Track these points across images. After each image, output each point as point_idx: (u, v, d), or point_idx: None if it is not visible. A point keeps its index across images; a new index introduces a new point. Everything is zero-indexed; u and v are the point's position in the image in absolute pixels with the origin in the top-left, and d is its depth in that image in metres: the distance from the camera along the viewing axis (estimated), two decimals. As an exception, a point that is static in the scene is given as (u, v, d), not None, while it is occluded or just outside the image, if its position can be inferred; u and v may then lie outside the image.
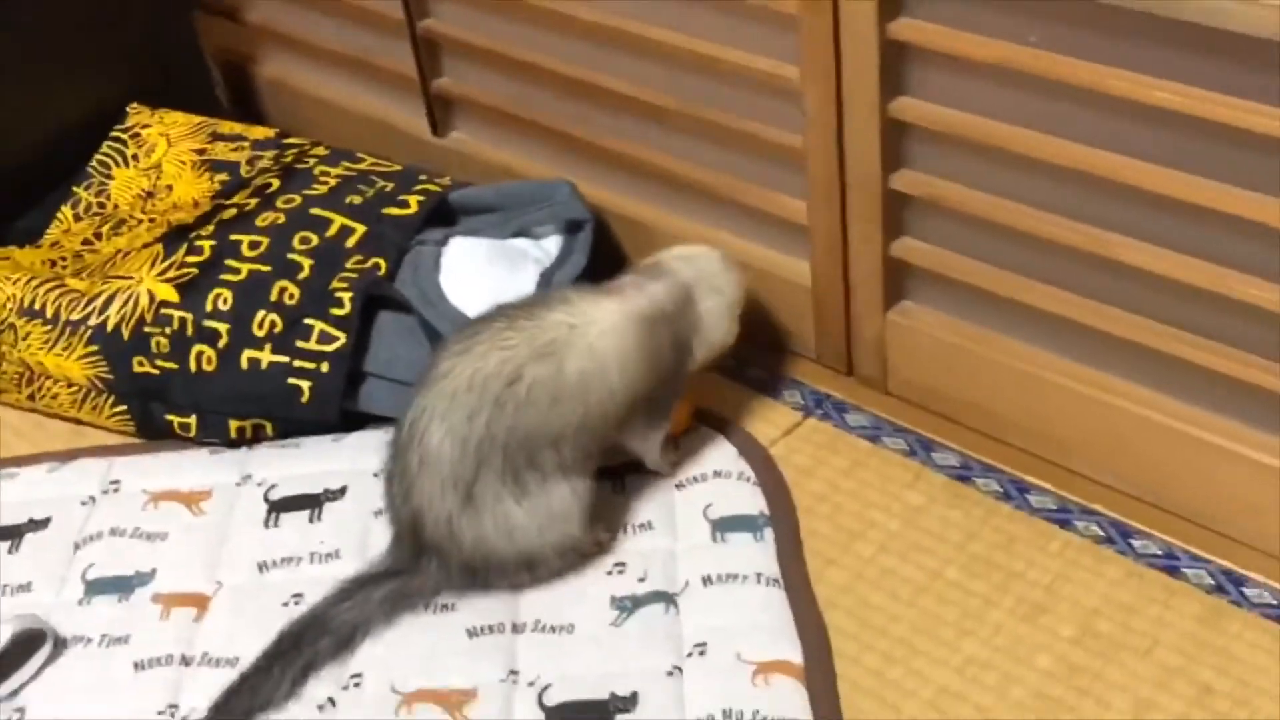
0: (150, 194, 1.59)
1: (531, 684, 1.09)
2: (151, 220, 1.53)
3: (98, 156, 1.63)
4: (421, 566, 1.14)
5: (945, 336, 1.29)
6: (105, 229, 1.55)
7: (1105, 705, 1.05)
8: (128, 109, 1.67)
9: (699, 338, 1.23)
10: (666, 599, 1.16)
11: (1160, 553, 1.17)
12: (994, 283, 1.24)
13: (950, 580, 1.16)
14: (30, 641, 1.14)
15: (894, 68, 1.19)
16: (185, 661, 1.14)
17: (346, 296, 1.35)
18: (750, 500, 1.24)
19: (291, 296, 1.36)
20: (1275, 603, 1.11)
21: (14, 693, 1.12)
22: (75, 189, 1.61)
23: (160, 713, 1.10)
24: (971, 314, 1.28)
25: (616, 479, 1.27)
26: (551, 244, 1.47)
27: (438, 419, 1.11)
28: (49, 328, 1.37)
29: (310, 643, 1.11)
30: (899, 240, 1.28)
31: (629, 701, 1.07)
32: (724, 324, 1.25)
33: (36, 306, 1.39)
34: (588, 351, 1.14)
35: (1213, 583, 1.14)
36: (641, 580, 1.18)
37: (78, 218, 1.58)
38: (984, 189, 1.20)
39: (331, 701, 1.10)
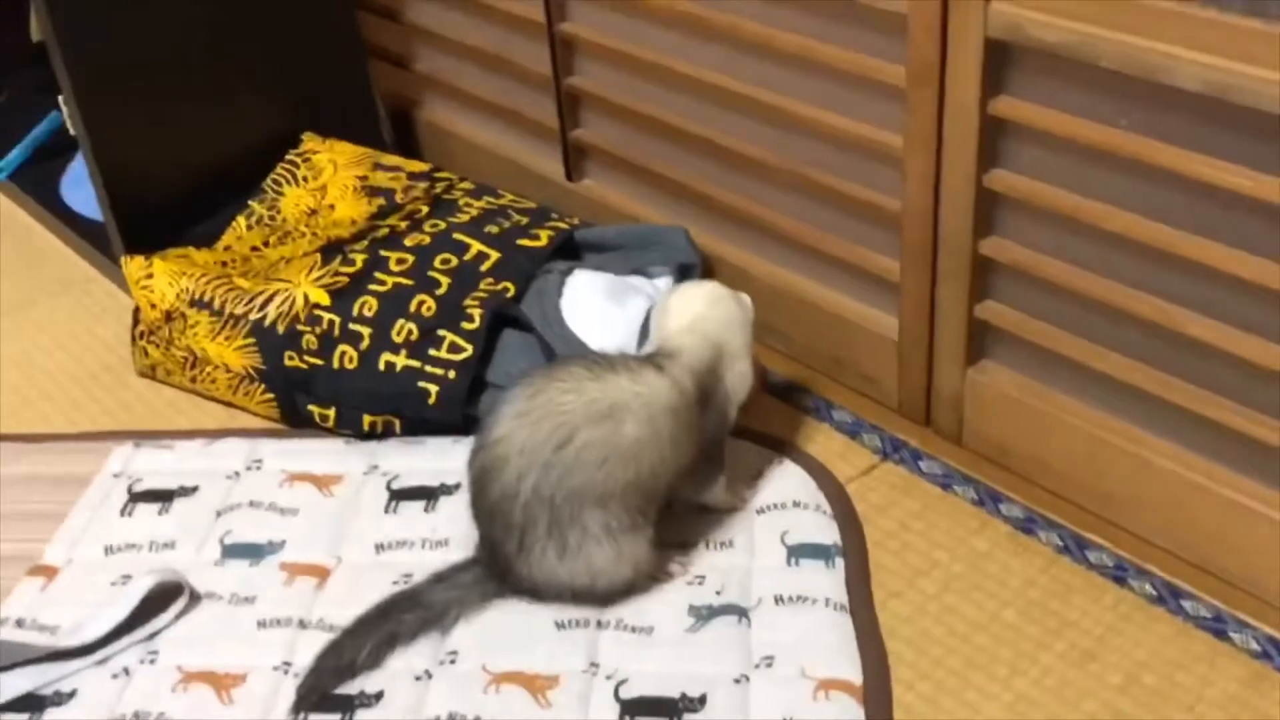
0: (315, 211, 1.62)
1: (609, 677, 1.08)
2: (314, 234, 1.56)
3: (272, 175, 1.67)
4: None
5: (1019, 396, 1.25)
6: (272, 238, 1.58)
7: (1146, 753, 1.00)
8: (303, 136, 1.71)
9: (733, 397, 1.19)
10: (740, 612, 1.13)
11: (1209, 615, 1.11)
12: (1068, 347, 1.20)
13: (1007, 622, 1.12)
14: (169, 593, 1.15)
15: (992, 141, 1.16)
16: (303, 625, 1.15)
17: (477, 313, 1.36)
18: (825, 530, 1.22)
19: (429, 309, 1.37)
20: (1320, 673, 1.05)
21: (151, 636, 1.14)
22: (250, 202, 1.64)
23: (275, 668, 1.11)
24: (1045, 376, 1.24)
25: (703, 499, 1.25)
26: (664, 283, 1.47)
27: (495, 476, 1.09)
28: (215, 319, 1.40)
29: (398, 614, 1.11)
30: (983, 303, 1.25)
31: (698, 703, 1.05)
32: (749, 377, 1.20)
33: (205, 299, 1.42)
34: (647, 421, 1.09)
35: (1258, 648, 1.08)
36: (719, 593, 1.15)
37: (249, 227, 1.62)
38: (1065, 259, 1.16)
39: (428, 674, 1.09)
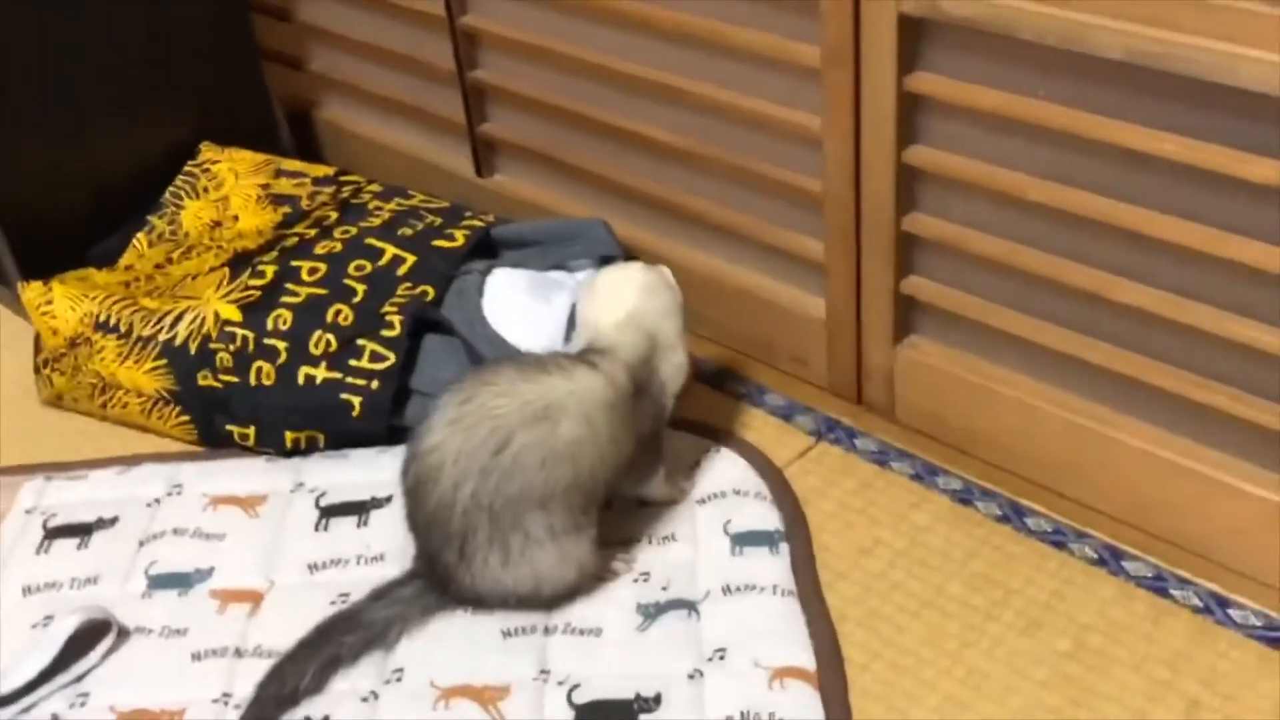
0: (218, 223, 1.56)
1: (561, 683, 1.06)
2: (219, 247, 1.50)
3: (171, 189, 1.61)
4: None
5: (950, 368, 1.25)
6: (176, 254, 1.52)
7: (1099, 715, 1.01)
8: (200, 146, 1.65)
9: (669, 387, 1.16)
10: (688, 606, 1.12)
11: (1150, 575, 1.13)
12: (997, 319, 1.20)
13: (953, 595, 1.12)
14: (95, 631, 1.10)
15: (910, 118, 1.16)
16: (239, 654, 1.11)
17: (397, 319, 1.32)
18: (767, 517, 1.21)
19: (346, 318, 1.33)
20: (1260, 624, 1.07)
21: (79, 678, 1.09)
22: (150, 218, 1.59)
23: (215, 700, 1.07)
24: (975, 348, 1.24)
25: (642, 494, 1.24)
26: (584, 276, 1.44)
27: (431, 485, 1.06)
28: (122, 342, 1.35)
29: (339, 636, 1.07)
30: (909, 278, 1.25)
31: (653, 702, 1.03)
32: (685, 366, 1.18)
33: (111, 322, 1.36)
34: (583, 419, 1.07)
35: (1200, 604, 1.09)
36: (665, 589, 1.14)
37: (151, 244, 1.56)
38: (990, 231, 1.17)
39: (374, 694, 1.06)
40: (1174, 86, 0.97)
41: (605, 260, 1.44)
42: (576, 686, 1.05)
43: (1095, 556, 1.15)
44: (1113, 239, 1.08)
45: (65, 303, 1.38)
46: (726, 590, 1.13)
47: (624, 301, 1.15)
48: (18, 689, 1.06)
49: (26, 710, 1.06)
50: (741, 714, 1.01)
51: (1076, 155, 1.07)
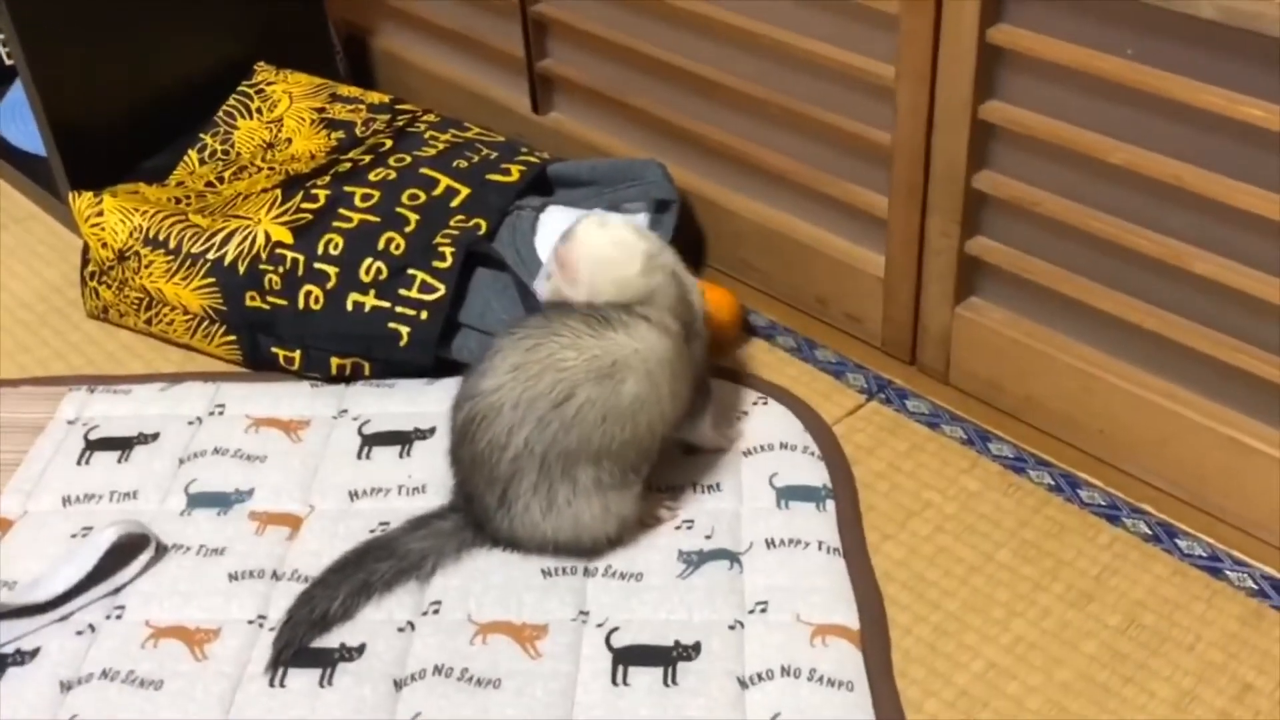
0: (271, 145, 1.54)
1: (600, 625, 1.04)
2: (271, 169, 1.48)
3: (225, 107, 1.58)
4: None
5: (1010, 333, 1.22)
6: (227, 174, 1.50)
7: (1149, 694, 0.98)
8: (255, 67, 1.63)
9: (698, 326, 1.12)
10: (731, 557, 1.10)
11: (1205, 554, 1.10)
12: (1062, 284, 1.17)
13: (1002, 563, 1.10)
14: (133, 545, 1.09)
15: (989, 71, 1.12)
16: (276, 576, 1.09)
17: (449, 251, 1.30)
18: (814, 472, 1.18)
19: (398, 247, 1.30)
20: (1317, 611, 1.04)
21: (116, 590, 1.08)
22: (202, 135, 1.56)
23: (250, 622, 1.05)
24: (1038, 313, 1.21)
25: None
26: (639, 219, 1.41)
27: (485, 426, 1.04)
28: (170, 258, 1.33)
29: (371, 563, 1.06)
30: (975, 238, 1.22)
31: (692, 650, 1.01)
32: (699, 290, 1.14)
33: (160, 237, 1.34)
34: (647, 377, 1.04)
35: (1255, 587, 1.06)
36: (708, 538, 1.12)
37: (202, 161, 1.53)
38: (1062, 193, 1.13)
39: (411, 625, 1.04)
40: (1266, 50, 0.93)
41: (660, 204, 1.41)
42: (615, 629, 1.03)
43: (1149, 533, 1.12)
44: (1192, 208, 1.04)
45: (115, 215, 1.36)
46: (770, 544, 1.11)
47: (633, 248, 1.11)
48: (55, 596, 1.04)
49: (63, 619, 1.05)
50: (782, 668, 0.99)
51: (1160, 119, 1.02)
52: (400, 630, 1.04)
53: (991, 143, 1.16)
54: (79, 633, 1.04)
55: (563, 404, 1.02)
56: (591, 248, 1.12)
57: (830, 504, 1.15)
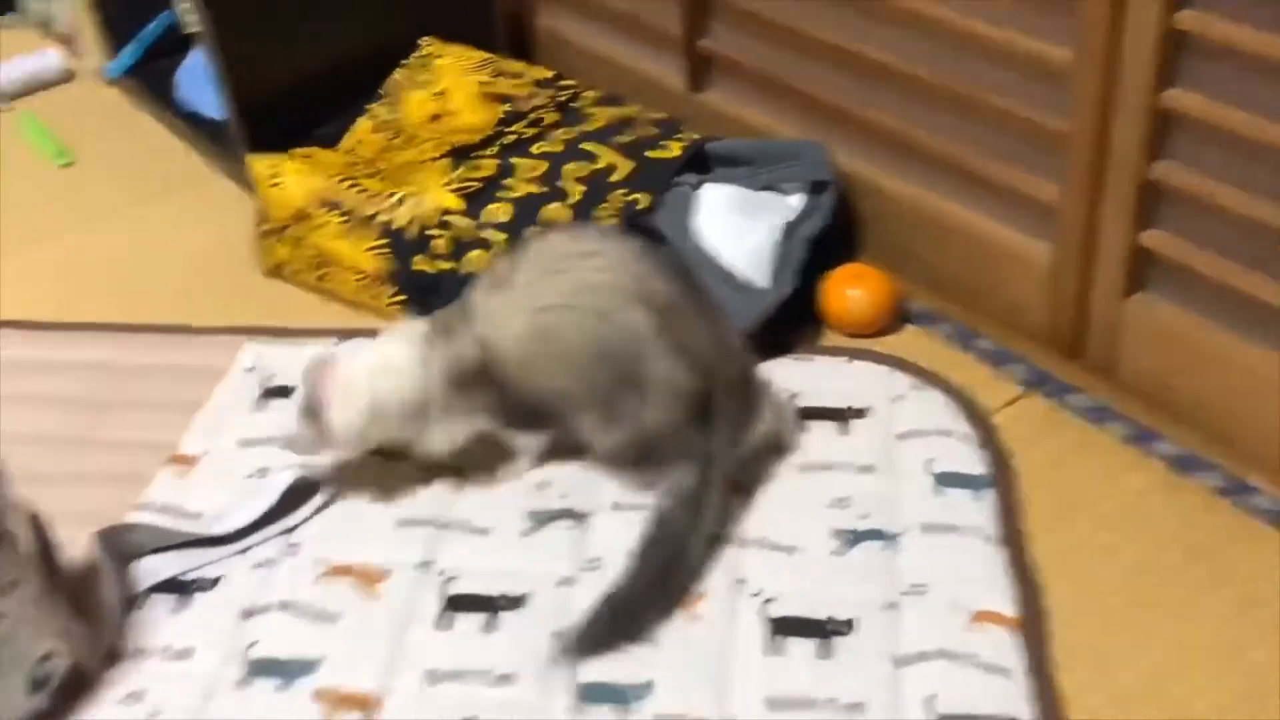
0: (438, 116, 1.57)
1: (756, 594, 1.04)
2: (438, 139, 1.52)
3: (392, 79, 1.62)
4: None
5: (1183, 330, 1.19)
6: (396, 142, 1.54)
7: (1324, 704, 0.95)
8: (421, 41, 1.66)
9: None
10: (886, 538, 1.09)
11: (1383, 567, 1.06)
12: (1237, 279, 1.13)
13: (1168, 565, 1.07)
14: (309, 487, 1.14)
15: (1172, 58, 1.09)
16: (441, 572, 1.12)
17: (611, 224, 1.31)
18: (972, 460, 1.17)
19: (561, 218, 1.32)
20: None
21: (291, 529, 1.13)
22: (371, 105, 1.60)
23: (416, 566, 1.08)
24: (1212, 311, 1.17)
25: (841, 421, 1.21)
26: (796, 200, 1.41)
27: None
28: (345, 219, 1.37)
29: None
30: (1149, 231, 1.19)
31: (845, 625, 1.01)
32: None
33: (335, 200, 1.38)
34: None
35: None
36: (863, 518, 1.11)
37: (373, 130, 1.58)
38: (1242, 186, 1.09)
39: (569, 581, 1.07)
40: None
41: (818, 185, 1.41)
42: (771, 600, 1.04)
43: (1323, 541, 1.08)
44: (1391, 205, 1.00)
45: (293, 177, 1.41)
46: (927, 528, 1.10)
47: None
48: (238, 529, 1.10)
49: (243, 552, 1.10)
50: (939, 651, 0.99)
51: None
52: (559, 584, 1.06)
53: (1170, 131, 1.13)
54: (258, 566, 1.09)
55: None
56: (359, 375, 1.10)
57: (988, 493, 1.13)
